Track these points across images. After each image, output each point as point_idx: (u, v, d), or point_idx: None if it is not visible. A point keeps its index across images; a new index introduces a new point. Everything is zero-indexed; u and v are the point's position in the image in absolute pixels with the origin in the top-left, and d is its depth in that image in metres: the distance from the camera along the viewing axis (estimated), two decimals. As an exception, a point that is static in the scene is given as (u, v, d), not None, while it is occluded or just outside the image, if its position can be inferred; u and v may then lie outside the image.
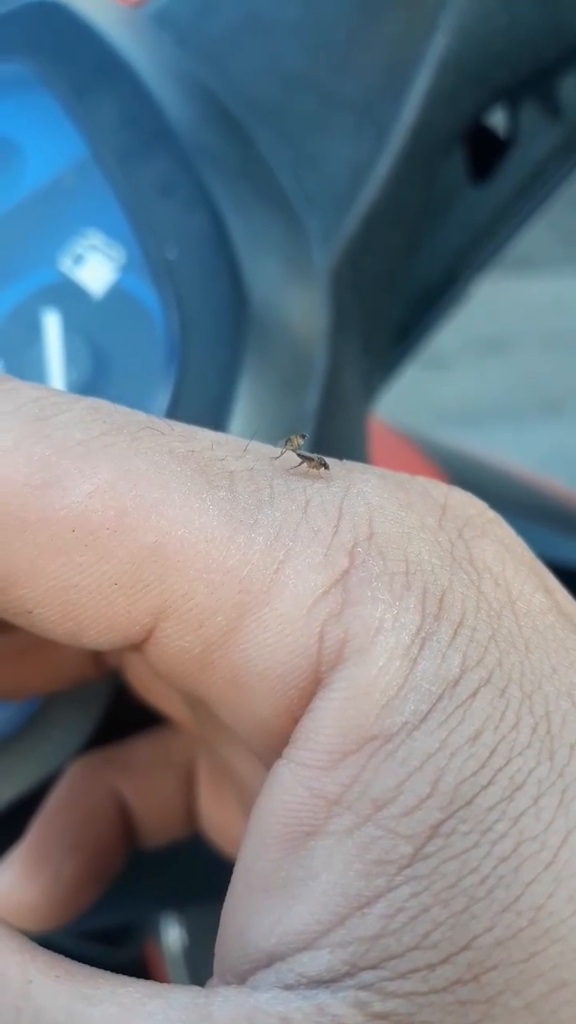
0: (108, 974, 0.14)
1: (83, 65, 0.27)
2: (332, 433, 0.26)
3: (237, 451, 0.16)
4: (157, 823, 0.25)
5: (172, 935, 0.47)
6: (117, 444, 0.15)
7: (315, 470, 0.16)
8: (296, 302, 0.26)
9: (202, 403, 0.24)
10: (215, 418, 0.24)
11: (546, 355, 1.83)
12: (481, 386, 1.75)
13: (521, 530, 0.18)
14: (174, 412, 0.24)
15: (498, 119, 0.34)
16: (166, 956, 0.46)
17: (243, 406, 0.24)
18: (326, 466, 0.16)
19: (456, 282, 0.36)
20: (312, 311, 0.27)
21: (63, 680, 0.22)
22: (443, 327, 0.37)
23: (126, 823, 0.25)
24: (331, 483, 0.16)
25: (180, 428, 0.16)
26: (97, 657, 0.23)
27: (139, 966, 0.45)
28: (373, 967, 0.13)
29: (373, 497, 0.16)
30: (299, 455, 0.16)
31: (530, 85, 0.33)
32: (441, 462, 0.51)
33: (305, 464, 0.16)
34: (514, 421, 1.68)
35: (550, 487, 0.54)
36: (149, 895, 0.33)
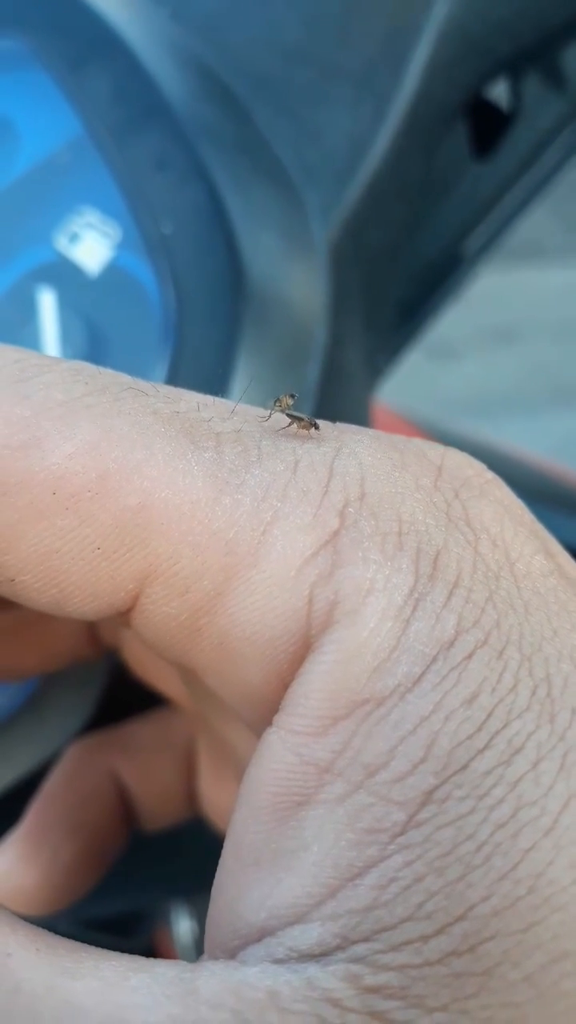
0: (92, 948, 0.13)
1: (76, 40, 0.27)
2: (333, 409, 0.26)
3: (224, 413, 0.16)
4: (157, 806, 0.25)
5: (184, 926, 0.46)
6: (99, 405, 0.15)
7: (305, 431, 0.16)
8: (295, 277, 0.26)
9: (199, 379, 0.24)
10: (212, 394, 0.24)
11: (556, 344, 1.81)
12: (491, 376, 1.74)
13: (534, 515, 0.17)
14: None
15: (501, 93, 0.33)
16: (178, 947, 0.46)
17: (241, 382, 0.24)
18: (316, 426, 0.16)
19: (461, 260, 0.35)
20: (311, 286, 0.26)
21: (59, 659, 0.22)
22: (452, 316, 0.36)
23: (125, 806, 0.24)
24: (322, 443, 0.16)
25: (165, 390, 0.16)
26: (93, 634, 0.22)
27: (150, 956, 0.45)
28: (365, 939, 0.13)
29: (366, 457, 0.15)
30: (289, 415, 0.16)
31: (533, 56, 0.32)
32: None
33: (295, 425, 0.16)
34: (525, 411, 1.67)
35: (563, 473, 0.53)
36: (155, 882, 0.33)
